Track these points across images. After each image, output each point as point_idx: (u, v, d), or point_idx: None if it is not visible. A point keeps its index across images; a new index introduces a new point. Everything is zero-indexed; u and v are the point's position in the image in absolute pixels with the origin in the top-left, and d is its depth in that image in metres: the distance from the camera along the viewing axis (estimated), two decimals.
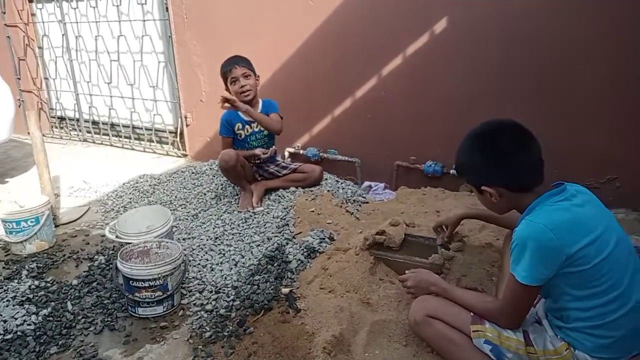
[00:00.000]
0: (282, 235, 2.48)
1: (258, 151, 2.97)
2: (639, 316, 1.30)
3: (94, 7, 4.34)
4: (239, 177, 2.96)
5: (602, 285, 1.29)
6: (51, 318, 1.98)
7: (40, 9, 4.72)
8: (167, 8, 3.89)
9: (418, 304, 1.62)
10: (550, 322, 1.44)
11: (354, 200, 2.93)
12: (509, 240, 1.46)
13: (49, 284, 2.25)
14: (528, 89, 2.79)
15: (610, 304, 1.29)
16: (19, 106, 4.82)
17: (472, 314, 1.48)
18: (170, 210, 3.00)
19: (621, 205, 2.72)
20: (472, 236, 2.25)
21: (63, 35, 4.62)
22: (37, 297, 2.13)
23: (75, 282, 2.25)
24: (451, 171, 3.08)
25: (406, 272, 1.78)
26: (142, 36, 4.14)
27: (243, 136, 3.02)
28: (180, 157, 4.30)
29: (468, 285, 1.92)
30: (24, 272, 2.36)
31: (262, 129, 3.03)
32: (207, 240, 2.56)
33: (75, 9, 4.45)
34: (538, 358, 1.37)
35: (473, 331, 1.45)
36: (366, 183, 3.37)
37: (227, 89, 2.95)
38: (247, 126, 3.01)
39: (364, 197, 3.05)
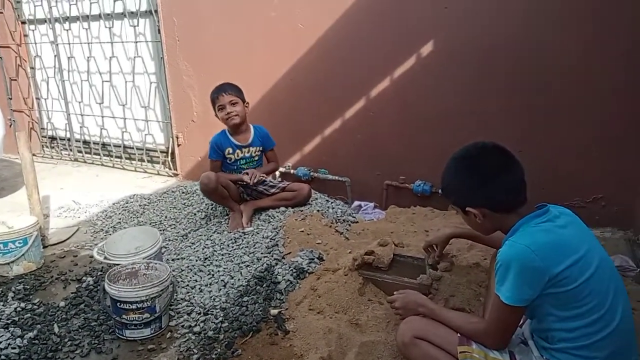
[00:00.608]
0: (272, 256, 2.48)
1: (246, 178, 2.96)
2: (622, 336, 1.32)
3: (86, 29, 4.38)
4: (223, 199, 2.98)
5: (585, 306, 1.30)
6: (37, 341, 1.95)
7: (33, 30, 4.75)
8: (159, 30, 3.94)
9: (406, 325, 1.62)
10: (535, 342, 1.45)
11: (343, 220, 2.95)
12: (495, 260, 1.48)
13: (35, 306, 2.22)
14: (512, 109, 2.84)
15: (594, 325, 1.30)
16: (10, 126, 4.82)
17: (459, 334, 1.49)
18: (160, 230, 3.01)
19: (607, 225, 2.75)
20: (460, 256, 2.27)
21: (55, 56, 4.65)
22: (22, 320, 2.10)
23: (62, 304, 2.23)
24: (439, 190, 3.11)
25: (394, 293, 1.79)
26: (134, 57, 4.18)
27: (233, 160, 3.05)
28: (171, 176, 4.30)
29: (456, 305, 1.93)
30: (10, 294, 2.33)
31: (252, 154, 3.08)
32: (197, 261, 2.56)
33: (67, 30, 4.49)
34: None
35: (460, 352, 1.45)
36: (356, 202, 3.39)
37: (216, 115, 3.02)
38: (237, 151, 3.04)
39: (354, 217, 3.06)
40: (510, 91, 2.83)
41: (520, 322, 1.60)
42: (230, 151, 3.03)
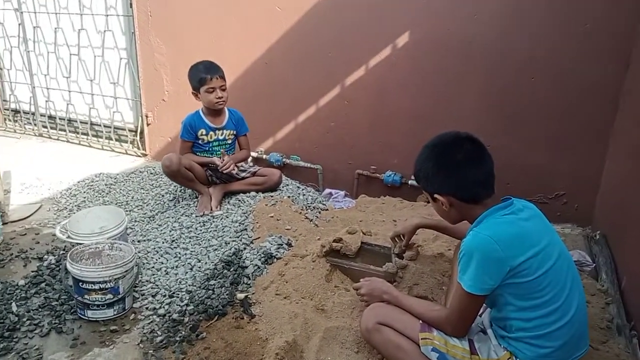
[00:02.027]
0: (240, 240, 2.47)
1: (218, 161, 2.93)
2: (575, 327, 1.38)
3: None
4: (188, 181, 2.93)
5: (543, 297, 1.35)
6: None
7: None
8: (131, 4, 3.81)
9: (370, 311, 1.65)
10: (494, 331, 1.50)
11: (313, 207, 2.96)
12: (458, 251, 1.52)
13: None
14: (485, 104, 2.90)
15: (551, 316, 1.35)
16: None
17: (421, 322, 1.53)
18: (126, 211, 2.95)
19: (567, 221, 2.86)
20: (426, 246, 2.32)
21: (19, 24, 4.44)
22: None
23: (22, 282, 2.17)
24: (409, 181, 3.16)
25: (360, 280, 1.81)
26: (104, 31, 4.03)
27: (206, 141, 3.00)
28: (139, 156, 4.21)
29: (419, 293, 1.97)
30: None
31: (226, 137, 3.03)
32: (163, 243, 2.53)
33: None
34: None
35: (421, 339, 1.49)
36: (327, 190, 3.41)
37: (194, 93, 2.93)
38: (211, 132, 2.99)
39: (324, 204, 3.08)
40: (483, 86, 2.88)
41: (480, 312, 1.65)
42: (204, 132, 2.98)
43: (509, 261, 1.33)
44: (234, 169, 2.96)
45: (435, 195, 1.52)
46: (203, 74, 2.85)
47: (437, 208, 1.59)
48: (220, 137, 3.03)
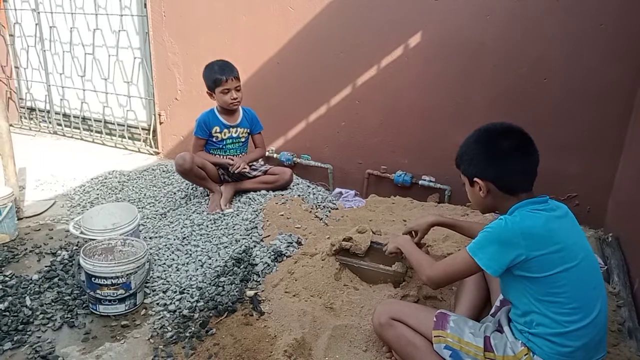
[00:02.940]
0: (250, 238, 2.49)
1: (231, 165, 2.94)
2: (597, 330, 1.37)
3: None
4: (200, 179, 2.95)
5: (563, 294, 1.35)
6: (7, 313, 1.93)
7: None
8: (145, 4, 3.85)
9: (383, 306, 1.66)
10: (514, 327, 1.48)
11: (323, 206, 2.96)
12: None
13: (7, 278, 2.19)
14: (496, 105, 2.88)
15: (572, 315, 1.35)
16: None
17: (434, 319, 1.52)
18: (139, 208, 2.99)
19: (579, 223, 2.74)
20: (436, 246, 2.31)
21: (36, 24, 4.52)
22: None
23: (35, 276, 2.21)
24: (420, 182, 3.15)
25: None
26: (119, 31, 4.09)
27: (220, 139, 3.02)
28: (152, 154, 4.25)
29: (428, 293, 1.97)
30: None
31: (240, 135, 3.05)
32: (174, 240, 2.55)
33: None
34: None
35: (434, 336, 1.49)
36: (337, 189, 3.41)
37: (209, 93, 2.95)
38: (225, 130, 3.01)
39: (334, 204, 3.08)
40: (494, 87, 2.86)
41: (493, 311, 1.65)
42: (218, 130, 3.00)
43: (525, 254, 1.35)
44: (245, 168, 2.97)
45: (476, 179, 1.52)
46: (218, 75, 2.86)
47: (472, 193, 1.58)
48: (234, 135, 3.04)
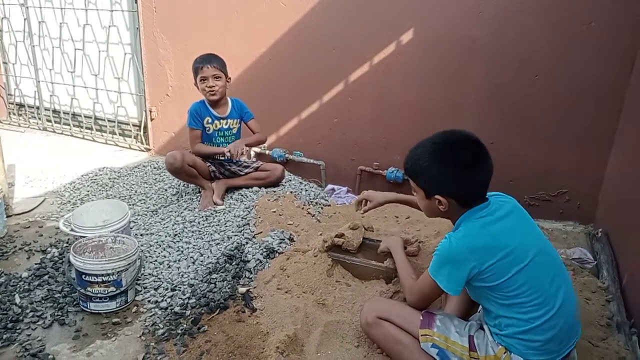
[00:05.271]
0: (242, 235, 2.48)
1: (226, 151, 2.90)
2: (563, 320, 1.38)
3: None
4: (192, 177, 2.94)
5: (522, 295, 1.37)
6: None
7: None
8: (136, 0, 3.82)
9: (370, 305, 1.66)
10: (488, 328, 1.50)
11: (316, 203, 2.96)
12: None
13: None
14: (488, 101, 2.89)
15: (535, 312, 1.37)
16: None
17: (421, 318, 1.53)
18: (129, 205, 2.97)
19: (569, 219, 2.86)
20: (427, 242, 2.32)
21: (25, 19, 4.46)
22: None
23: (25, 274, 2.19)
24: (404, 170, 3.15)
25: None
26: (109, 26, 4.05)
27: (211, 130, 3.00)
28: (143, 151, 4.22)
29: None
30: None
31: (231, 126, 3.03)
32: (166, 236, 2.54)
33: None
34: None
35: (421, 335, 1.50)
36: (329, 186, 3.41)
37: (196, 83, 2.94)
38: (216, 121, 2.99)
39: (326, 200, 3.08)
40: (486, 83, 2.87)
41: (479, 309, 1.66)
42: (209, 121, 2.98)
43: (477, 266, 1.38)
44: (244, 154, 2.93)
45: (437, 197, 1.48)
46: (197, 64, 2.89)
47: (428, 205, 1.55)
48: (225, 127, 3.02)
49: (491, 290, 1.40)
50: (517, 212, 1.49)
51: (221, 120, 3.00)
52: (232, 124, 3.05)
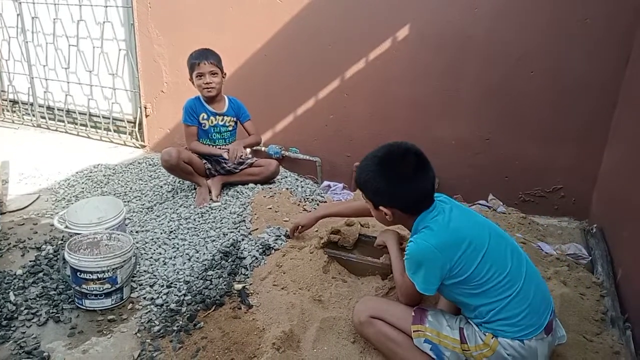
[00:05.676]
0: (238, 231, 2.48)
1: (225, 155, 2.90)
2: (532, 289, 1.44)
3: None
4: (187, 174, 2.93)
5: (492, 278, 1.42)
6: None
7: None
8: None
9: (362, 305, 1.68)
10: (472, 321, 1.52)
11: (312, 199, 2.96)
12: None
13: None
14: (483, 97, 2.89)
15: (507, 290, 1.42)
16: None
17: (413, 314, 1.55)
18: (125, 202, 2.96)
19: (564, 214, 2.87)
20: None
21: (18, 15, 4.42)
22: None
23: (19, 271, 2.18)
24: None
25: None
26: (104, 22, 4.02)
27: (207, 127, 2.99)
28: (138, 147, 4.21)
29: None
30: None
31: (226, 123, 3.02)
32: (161, 233, 2.53)
33: None
34: (472, 354, 1.46)
35: (414, 331, 1.52)
36: (325, 182, 3.41)
37: (191, 79, 2.93)
38: (212, 117, 2.98)
39: (322, 197, 3.08)
40: (482, 80, 2.87)
41: None
42: (205, 117, 2.96)
43: (448, 262, 1.43)
44: (242, 156, 2.94)
45: (381, 208, 1.56)
46: (193, 59, 2.87)
47: (377, 215, 1.63)
48: (221, 123, 3.01)
49: (463, 283, 1.45)
50: (457, 206, 1.58)
51: (217, 117, 2.99)
52: (228, 121, 3.04)
